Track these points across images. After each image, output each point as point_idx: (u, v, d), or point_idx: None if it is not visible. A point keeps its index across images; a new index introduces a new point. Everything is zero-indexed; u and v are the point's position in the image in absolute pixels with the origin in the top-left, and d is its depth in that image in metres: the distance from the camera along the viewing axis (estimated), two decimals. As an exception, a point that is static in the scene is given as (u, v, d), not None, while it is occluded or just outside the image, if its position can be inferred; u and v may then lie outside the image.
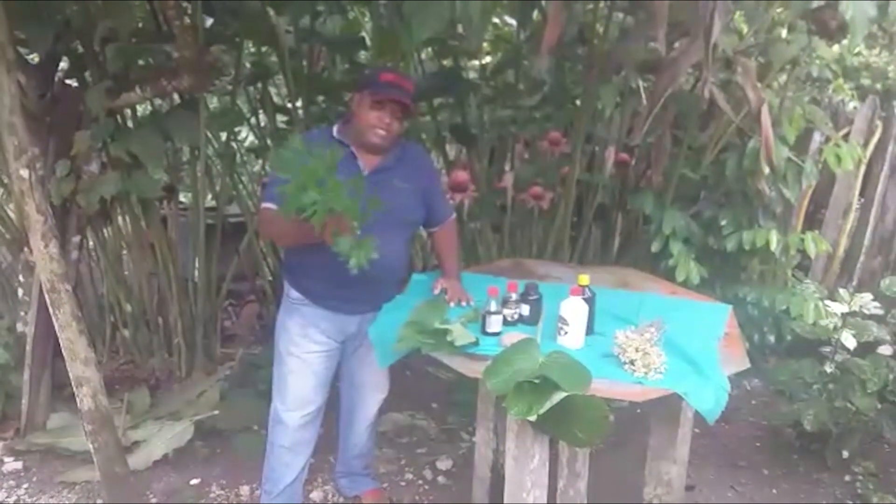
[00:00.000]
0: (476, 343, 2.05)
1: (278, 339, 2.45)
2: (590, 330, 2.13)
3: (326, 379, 2.48)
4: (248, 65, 3.71)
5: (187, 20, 2.95)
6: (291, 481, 2.57)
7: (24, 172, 2.38)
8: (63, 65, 3.18)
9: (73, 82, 3.18)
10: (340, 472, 2.80)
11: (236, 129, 3.89)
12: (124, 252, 3.75)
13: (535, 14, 3.32)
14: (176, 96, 3.38)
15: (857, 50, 4.96)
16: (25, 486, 2.87)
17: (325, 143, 2.25)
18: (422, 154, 2.54)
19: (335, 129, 2.33)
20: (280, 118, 3.88)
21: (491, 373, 1.86)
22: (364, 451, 2.74)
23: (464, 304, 2.33)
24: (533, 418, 1.77)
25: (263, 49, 3.73)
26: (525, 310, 2.21)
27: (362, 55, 3.74)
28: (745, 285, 3.42)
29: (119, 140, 3.02)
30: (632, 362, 1.93)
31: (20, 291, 3.25)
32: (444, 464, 3.08)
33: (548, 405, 1.75)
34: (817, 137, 3.84)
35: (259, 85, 3.71)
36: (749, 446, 3.30)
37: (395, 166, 2.30)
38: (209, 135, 3.56)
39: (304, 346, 2.41)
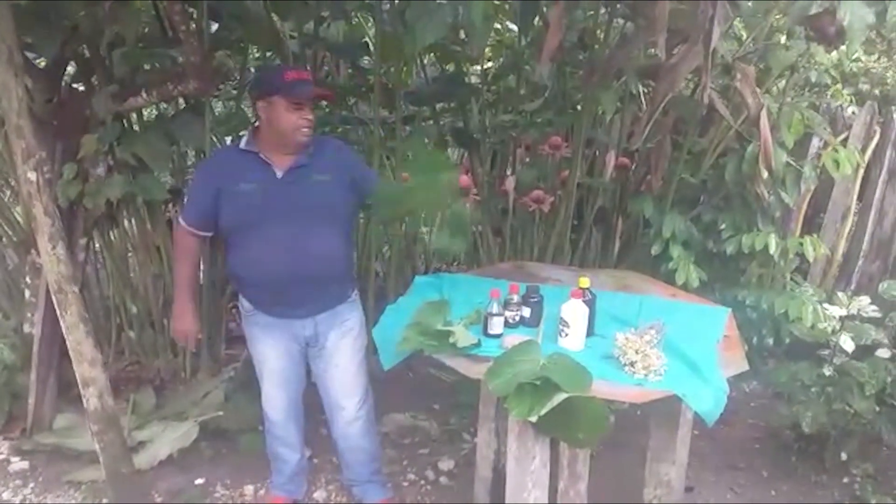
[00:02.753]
0: (478, 345, 2.07)
1: (249, 348, 2.55)
2: (590, 332, 2.15)
3: (292, 378, 2.53)
4: (252, 69, 3.74)
5: (193, 25, 2.97)
6: (291, 474, 2.68)
7: (32, 175, 2.41)
8: (70, 69, 3.20)
9: (79, 86, 3.21)
10: (350, 479, 2.76)
11: (241, 133, 3.90)
12: (130, 254, 3.76)
13: (537, 20, 3.34)
14: (181, 100, 3.41)
15: (855, 55, 4.98)
16: (32, 485, 2.89)
17: (232, 157, 2.32)
18: (334, 145, 2.48)
19: (243, 141, 2.33)
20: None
21: (492, 374, 1.88)
22: (365, 458, 2.68)
23: None
24: (534, 419, 1.79)
25: (268, 54, 3.76)
26: (526, 312, 2.24)
27: (365, 60, 3.76)
28: (744, 288, 3.44)
29: (125, 143, 3.05)
30: (632, 364, 1.96)
31: (27, 293, 3.27)
32: (445, 464, 3.10)
33: (549, 406, 1.77)
34: (816, 142, 3.85)
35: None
36: (748, 448, 3.32)
37: (310, 162, 2.29)
38: (214, 138, 3.58)
39: (265, 355, 2.48)
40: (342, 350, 2.45)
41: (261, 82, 2.34)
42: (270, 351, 2.46)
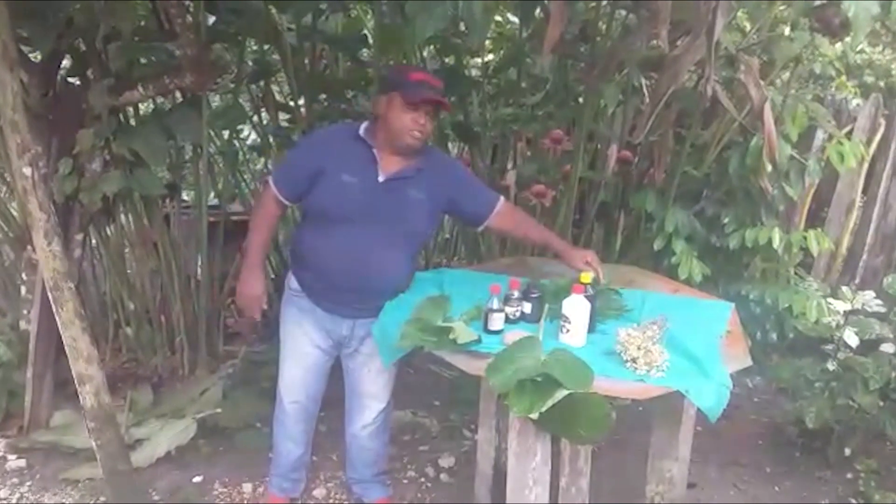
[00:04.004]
0: (478, 341, 2.05)
1: (280, 325, 2.50)
2: (592, 328, 2.13)
3: (317, 375, 2.50)
4: (250, 63, 3.71)
5: (189, 18, 2.95)
6: (290, 468, 2.66)
7: (27, 170, 2.38)
8: (66, 63, 3.18)
9: (75, 80, 3.19)
10: (352, 477, 2.75)
11: (238, 128, 3.89)
12: (127, 250, 3.75)
13: (538, 12, 3.31)
14: (178, 94, 3.39)
15: (859, 47, 4.95)
16: (28, 483, 2.88)
17: (347, 140, 2.27)
18: (444, 162, 2.44)
19: (362, 128, 2.28)
20: (282, 116, 3.89)
21: (493, 370, 1.86)
22: (372, 459, 2.67)
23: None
24: (535, 416, 1.77)
25: (265, 47, 3.73)
26: (527, 308, 2.21)
27: (364, 53, 3.74)
28: (747, 283, 3.42)
29: (122, 138, 3.02)
30: (634, 360, 1.93)
31: (23, 289, 3.26)
32: (446, 461, 3.08)
33: (550, 403, 1.75)
34: (820, 135, 3.84)
35: (261, 83, 3.71)
36: (751, 444, 3.30)
37: (414, 176, 2.25)
38: (211, 133, 3.56)
39: (297, 338, 2.44)
40: (380, 362, 2.39)
41: (387, 76, 2.34)
42: (304, 340, 2.43)
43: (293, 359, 2.48)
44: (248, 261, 2.46)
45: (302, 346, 2.44)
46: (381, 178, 2.22)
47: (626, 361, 1.95)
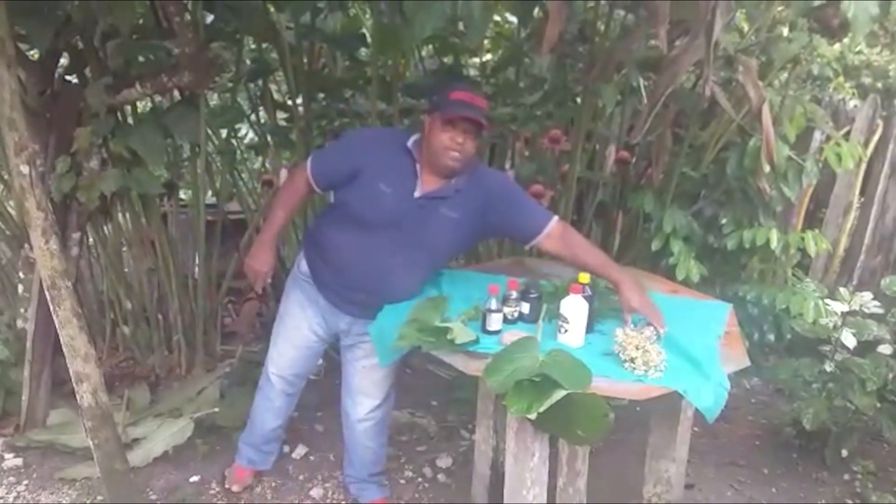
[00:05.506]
0: (476, 341, 2.05)
1: (282, 300, 2.51)
2: (590, 328, 2.13)
3: (308, 356, 2.53)
4: (248, 61, 3.70)
5: (188, 17, 2.94)
6: (263, 439, 2.71)
7: (25, 168, 2.37)
8: (63, 61, 3.17)
9: (73, 79, 3.17)
10: (349, 476, 2.75)
11: (236, 126, 3.88)
12: (124, 249, 3.74)
13: (536, 11, 3.31)
14: (176, 93, 3.37)
15: (858, 48, 4.95)
16: (25, 482, 2.87)
17: (394, 149, 2.25)
18: (489, 180, 2.32)
19: (412, 140, 2.26)
20: (280, 115, 3.88)
21: (491, 371, 1.86)
22: (369, 458, 2.67)
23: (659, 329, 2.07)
24: (533, 416, 1.77)
25: (264, 46, 3.73)
26: (525, 308, 2.21)
27: (363, 52, 3.73)
28: (745, 284, 3.42)
29: (119, 136, 3.01)
30: (632, 360, 1.93)
31: (20, 288, 3.24)
32: (443, 461, 3.08)
33: (548, 403, 1.75)
34: (818, 136, 3.83)
35: (259, 82, 3.70)
36: (748, 445, 3.31)
37: (451, 196, 2.21)
38: (209, 131, 3.55)
39: (296, 317, 2.46)
40: (373, 357, 2.39)
41: (434, 96, 2.29)
42: (302, 320, 2.45)
43: (287, 336, 2.50)
44: (262, 236, 2.45)
45: (299, 328, 2.46)
46: (417, 194, 2.20)
47: (624, 362, 1.95)
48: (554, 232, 2.27)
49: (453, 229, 2.25)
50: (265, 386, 2.62)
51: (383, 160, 2.23)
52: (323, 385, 2.90)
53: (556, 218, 2.30)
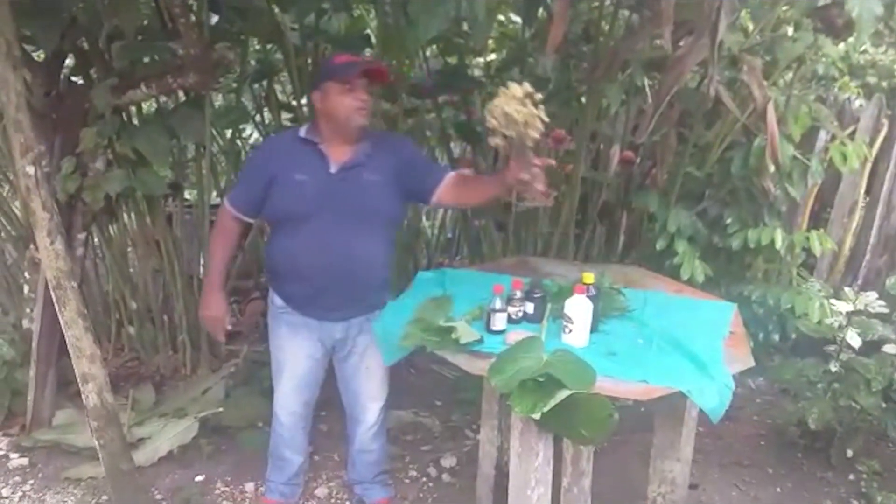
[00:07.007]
0: (480, 341, 2.05)
1: (270, 341, 2.49)
2: (594, 328, 2.13)
3: (312, 384, 2.50)
4: (253, 62, 3.71)
5: (193, 18, 2.95)
6: (292, 475, 2.64)
7: (30, 169, 2.38)
8: (69, 62, 3.18)
9: (78, 80, 3.19)
10: (353, 478, 2.74)
11: (241, 127, 3.89)
12: (129, 249, 3.75)
13: (541, 12, 3.31)
14: (181, 94, 3.39)
15: (863, 48, 4.94)
16: (31, 482, 2.88)
17: (291, 144, 2.29)
18: (392, 140, 2.44)
19: (303, 129, 2.30)
20: (285, 115, 3.89)
21: (495, 370, 1.86)
22: (374, 459, 2.66)
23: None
24: (537, 416, 1.77)
25: (269, 46, 3.74)
26: (529, 308, 2.21)
27: (367, 53, 3.74)
28: (749, 284, 3.41)
29: (125, 137, 3.03)
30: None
31: (26, 288, 3.26)
32: (448, 461, 3.08)
33: (552, 403, 1.75)
34: (823, 136, 3.83)
35: (264, 82, 3.71)
36: (753, 445, 3.30)
37: (365, 162, 2.25)
38: (214, 132, 3.57)
39: (289, 352, 2.43)
40: (374, 358, 2.40)
41: (316, 72, 2.36)
42: (297, 351, 2.41)
43: (287, 373, 2.46)
44: (208, 283, 2.47)
45: (296, 360, 2.43)
46: (332, 170, 2.23)
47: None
48: (450, 181, 2.32)
49: (381, 191, 2.27)
50: (279, 428, 2.57)
51: (288, 157, 2.26)
52: (326, 385, 2.87)
53: (452, 172, 2.37)
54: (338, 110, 2.19)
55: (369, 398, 2.52)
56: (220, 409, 3.09)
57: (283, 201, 2.25)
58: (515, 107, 1.83)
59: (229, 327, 2.51)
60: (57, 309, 2.49)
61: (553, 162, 2.05)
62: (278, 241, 2.32)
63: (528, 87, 1.85)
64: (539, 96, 1.86)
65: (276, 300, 2.40)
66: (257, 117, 3.95)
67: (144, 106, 3.59)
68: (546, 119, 1.87)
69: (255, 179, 2.30)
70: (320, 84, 2.22)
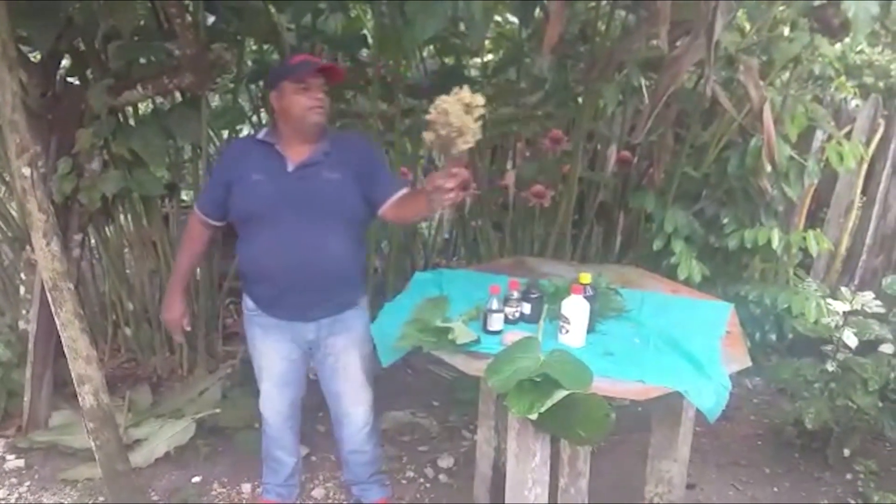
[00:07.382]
0: (477, 341, 2.05)
1: (248, 346, 2.51)
2: (591, 328, 2.13)
3: (294, 384, 2.49)
4: (249, 63, 3.71)
5: (189, 18, 2.95)
6: (287, 476, 2.65)
7: (26, 170, 2.38)
8: (65, 63, 3.17)
9: (74, 80, 3.18)
10: (348, 479, 2.73)
11: (238, 128, 3.88)
12: (126, 250, 3.74)
13: (537, 12, 3.31)
14: (178, 94, 3.38)
15: (859, 48, 4.95)
16: (27, 483, 2.87)
17: (249, 147, 2.31)
18: (355, 141, 2.42)
19: (262, 133, 2.33)
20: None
21: (492, 371, 1.86)
22: (367, 460, 2.64)
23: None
24: (534, 416, 1.77)
25: (265, 47, 3.73)
26: (526, 308, 2.21)
27: (364, 53, 3.73)
28: (746, 283, 3.42)
29: (121, 138, 3.02)
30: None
31: (22, 289, 3.25)
32: (445, 462, 3.08)
33: (549, 403, 1.75)
34: (819, 136, 3.84)
35: (260, 83, 3.71)
36: (750, 445, 3.30)
37: (323, 160, 2.24)
38: (211, 133, 3.56)
39: (265, 355, 2.44)
40: (351, 359, 2.40)
41: (271, 74, 2.36)
42: (271, 353, 2.42)
43: (265, 374, 2.47)
44: (170, 285, 2.50)
45: (271, 362, 2.43)
46: (290, 168, 2.23)
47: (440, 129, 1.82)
48: (399, 197, 2.29)
49: (341, 189, 2.25)
50: (268, 429, 2.58)
51: (247, 159, 2.28)
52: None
53: (407, 188, 2.33)
54: (293, 109, 2.19)
55: (350, 402, 2.49)
56: (217, 410, 3.09)
57: (242, 202, 2.26)
58: (458, 111, 1.81)
59: (188, 328, 2.54)
60: (53, 310, 2.49)
61: (466, 175, 1.98)
62: (243, 243, 2.32)
63: (479, 98, 1.83)
64: (482, 111, 1.83)
65: (248, 303, 2.40)
66: (254, 118, 3.95)
67: (141, 106, 3.59)
68: (480, 136, 1.85)
69: (217, 183, 2.33)
70: (276, 84, 2.23)
